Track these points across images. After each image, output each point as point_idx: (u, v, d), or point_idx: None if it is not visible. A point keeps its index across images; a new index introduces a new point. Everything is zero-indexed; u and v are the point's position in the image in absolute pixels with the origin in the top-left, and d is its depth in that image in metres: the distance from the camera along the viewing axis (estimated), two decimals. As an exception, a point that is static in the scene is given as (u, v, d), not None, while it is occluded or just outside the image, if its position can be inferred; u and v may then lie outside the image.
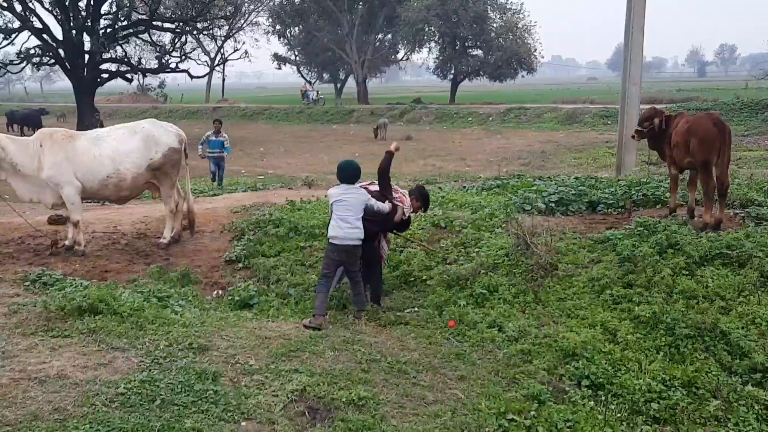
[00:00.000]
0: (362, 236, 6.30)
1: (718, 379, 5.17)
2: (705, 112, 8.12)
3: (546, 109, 35.59)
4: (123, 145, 8.22)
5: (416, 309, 6.55)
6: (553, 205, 9.18)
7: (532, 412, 4.73)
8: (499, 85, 55.25)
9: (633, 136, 8.80)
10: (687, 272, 6.43)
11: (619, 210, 9.04)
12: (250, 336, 5.45)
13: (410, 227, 7.53)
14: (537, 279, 6.74)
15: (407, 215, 6.78)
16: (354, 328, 5.95)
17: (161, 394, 4.29)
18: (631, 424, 4.81)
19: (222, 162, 15.66)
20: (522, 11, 46.81)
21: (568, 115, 33.33)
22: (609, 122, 29.96)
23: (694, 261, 6.57)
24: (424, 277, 7.21)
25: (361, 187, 6.59)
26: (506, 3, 46.83)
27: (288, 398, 4.49)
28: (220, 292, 7.32)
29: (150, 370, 4.58)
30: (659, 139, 8.23)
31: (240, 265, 8.05)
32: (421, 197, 7.01)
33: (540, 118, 34.03)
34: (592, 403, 4.95)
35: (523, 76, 49.80)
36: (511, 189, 10.58)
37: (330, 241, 6.31)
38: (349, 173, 6.42)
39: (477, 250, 7.55)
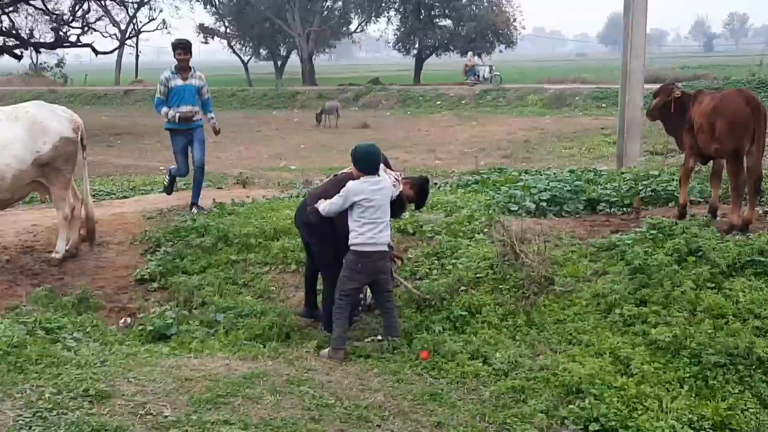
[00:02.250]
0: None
1: (757, 417, 5.00)
2: (735, 89, 8.01)
3: (529, 91, 35.84)
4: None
5: (380, 337, 6.26)
6: (544, 204, 9.02)
7: (530, 469, 4.49)
8: (473, 62, 55.50)
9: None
10: (713, 285, 6.28)
11: (625, 209, 8.92)
12: (165, 377, 5.08)
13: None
14: (529, 296, 6.51)
15: (394, 195, 6.50)
16: (301, 365, 5.63)
17: (44, 460, 3.91)
18: (654, 480, 4.60)
19: (200, 133, 10.10)
20: (499, -26, 47.07)
21: (555, 97, 33.61)
22: (604, 105, 30.32)
23: (721, 271, 6.42)
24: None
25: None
26: (480, -36, 47.06)
27: (215, 459, 4.15)
28: (129, 320, 6.93)
29: (31, 428, 4.18)
30: (675, 122, 8.12)
31: (155, 284, 7.67)
32: (416, 187, 6.76)
33: (522, 101, 34.26)
34: (603, 453, 4.73)
35: (501, 51, 50.12)
36: (492, 185, 10.40)
37: (356, 249, 6.02)
38: (375, 160, 6.13)
39: (454, 261, 7.31)
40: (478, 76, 40.19)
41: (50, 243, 8.57)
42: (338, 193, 6.08)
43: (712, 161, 8.03)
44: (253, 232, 8.26)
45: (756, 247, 6.63)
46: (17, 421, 4.26)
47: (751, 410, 5.07)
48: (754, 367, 5.38)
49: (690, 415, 5.00)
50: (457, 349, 5.80)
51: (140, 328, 6.55)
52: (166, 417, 4.52)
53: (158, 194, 11.67)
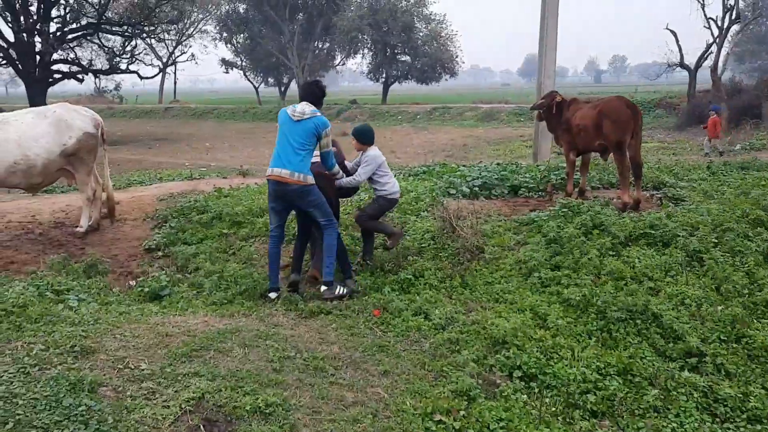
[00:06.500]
0: None
1: (653, 365, 4.31)
2: (615, 96, 7.46)
3: (467, 108, 35.09)
4: (31, 130, 6.80)
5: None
6: (476, 189, 8.24)
7: (462, 412, 3.75)
8: (426, 88, 54.62)
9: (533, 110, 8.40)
10: (613, 253, 5.60)
11: (540, 193, 8.20)
12: (148, 334, 4.25)
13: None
14: (463, 263, 5.77)
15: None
16: (270, 321, 4.83)
17: (18, 414, 3.09)
18: (568, 419, 3.89)
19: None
20: (445, 22, 45.92)
21: (486, 113, 32.91)
22: (522, 119, 29.64)
23: (620, 241, 5.76)
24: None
25: None
26: (431, 14, 45.87)
27: (181, 409, 3.35)
28: (133, 283, 6.04)
29: (12, 383, 3.35)
30: (555, 121, 7.71)
31: (159, 253, 6.74)
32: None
33: (461, 116, 33.50)
34: (525, 396, 4.01)
35: (446, 80, 49.04)
36: (436, 175, 9.61)
37: (396, 197, 6.01)
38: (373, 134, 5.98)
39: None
40: None
41: (79, 220, 7.64)
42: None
43: (581, 156, 7.62)
44: (243, 210, 7.40)
45: (648, 222, 5.98)
46: (0, 376, 3.43)
47: (648, 359, 4.39)
48: (649, 321, 4.71)
49: (598, 363, 4.31)
50: (403, 307, 5.05)
51: (139, 289, 5.70)
52: (142, 370, 3.71)
53: (174, 182, 10.72)
